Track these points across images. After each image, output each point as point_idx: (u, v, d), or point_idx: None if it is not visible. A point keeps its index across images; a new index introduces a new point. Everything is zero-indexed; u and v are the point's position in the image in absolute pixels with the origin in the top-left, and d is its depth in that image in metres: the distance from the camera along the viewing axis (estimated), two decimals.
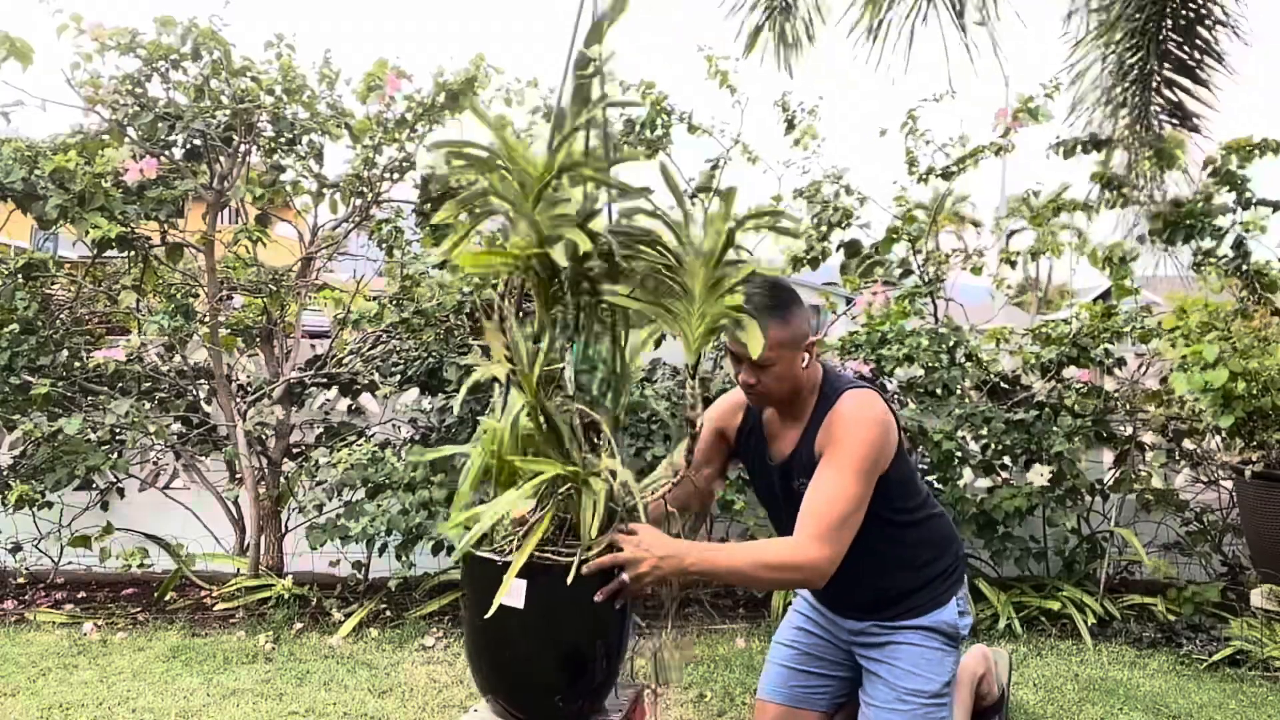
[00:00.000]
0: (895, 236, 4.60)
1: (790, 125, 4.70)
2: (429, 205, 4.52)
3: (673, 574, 1.68)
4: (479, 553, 1.79)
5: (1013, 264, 4.76)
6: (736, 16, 4.63)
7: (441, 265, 4.48)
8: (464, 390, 1.97)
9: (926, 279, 4.58)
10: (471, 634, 1.83)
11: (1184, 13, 3.90)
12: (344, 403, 4.78)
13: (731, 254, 1.77)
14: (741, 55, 4.61)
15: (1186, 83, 3.97)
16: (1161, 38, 3.88)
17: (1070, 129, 4.38)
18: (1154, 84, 3.93)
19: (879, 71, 4.44)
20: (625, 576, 1.66)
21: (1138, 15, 3.82)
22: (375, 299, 4.56)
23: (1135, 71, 3.92)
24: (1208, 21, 3.92)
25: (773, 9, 4.52)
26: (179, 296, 4.39)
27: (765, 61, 4.61)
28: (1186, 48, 3.93)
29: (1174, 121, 4.01)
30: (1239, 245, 4.32)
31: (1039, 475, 4.03)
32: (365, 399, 4.77)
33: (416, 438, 4.53)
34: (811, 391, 2.00)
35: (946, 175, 4.57)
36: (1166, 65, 3.94)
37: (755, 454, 2.13)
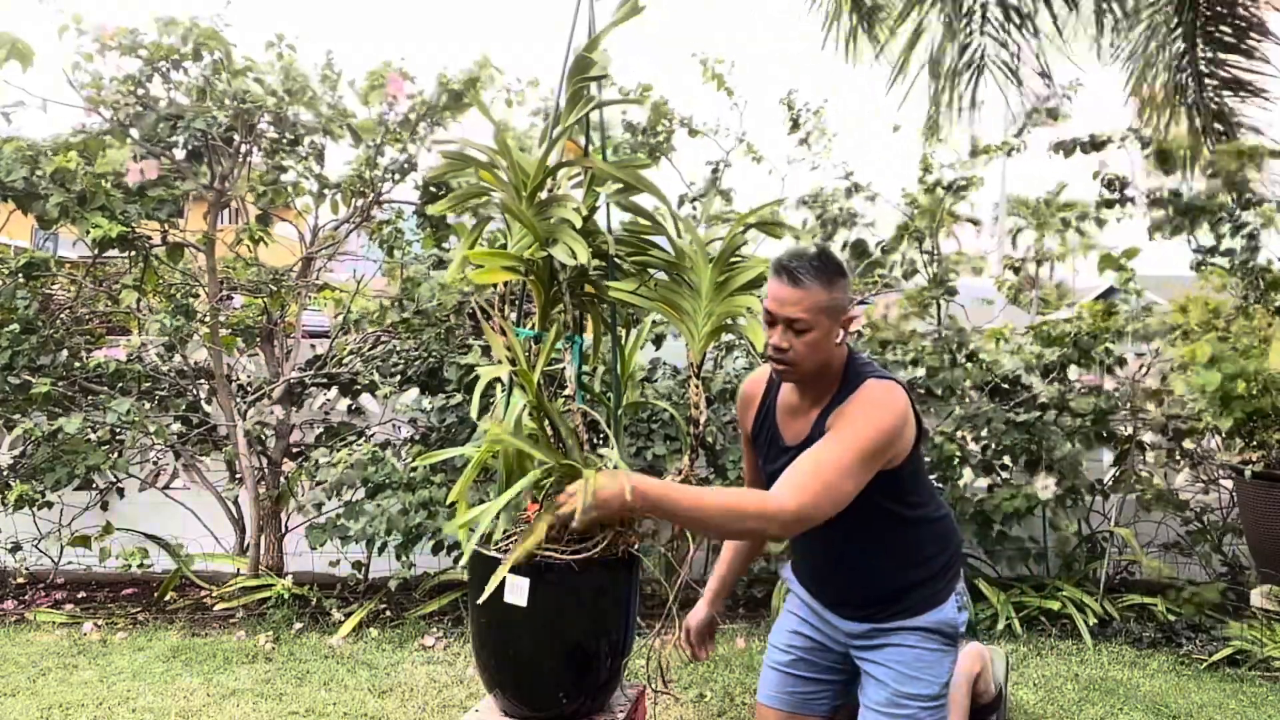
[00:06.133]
0: (903, 235, 4.58)
1: (795, 124, 4.69)
2: (430, 206, 4.52)
3: (637, 501, 1.61)
4: (484, 551, 1.80)
5: (1016, 270, 4.75)
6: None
7: (440, 265, 4.48)
8: (477, 393, 1.95)
9: (932, 279, 4.56)
10: (477, 630, 1.84)
11: None
12: (344, 403, 4.78)
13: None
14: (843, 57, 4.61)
15: (1238, 58, 3.93)
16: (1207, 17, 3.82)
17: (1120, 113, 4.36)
18: (1203, 61, 3.87)
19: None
20: (588, 491, 1.60)
21: None
22: (375, 299, 4.56)
23: (1180, 44, 3.85)
24: None
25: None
26: (179, 296, 4.39)
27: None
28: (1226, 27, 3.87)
29: (1226, 97, 3.95)
30: (1252, 238, 4.31)
31: (1045, 489, 4.01)
32: (365, 399, 4.77)
33: (416, 438, 4.53)
34: (835, 374, 1.92)
35: (954, 189, 4.53)
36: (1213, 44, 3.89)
37: (768, 437, 2.06)
